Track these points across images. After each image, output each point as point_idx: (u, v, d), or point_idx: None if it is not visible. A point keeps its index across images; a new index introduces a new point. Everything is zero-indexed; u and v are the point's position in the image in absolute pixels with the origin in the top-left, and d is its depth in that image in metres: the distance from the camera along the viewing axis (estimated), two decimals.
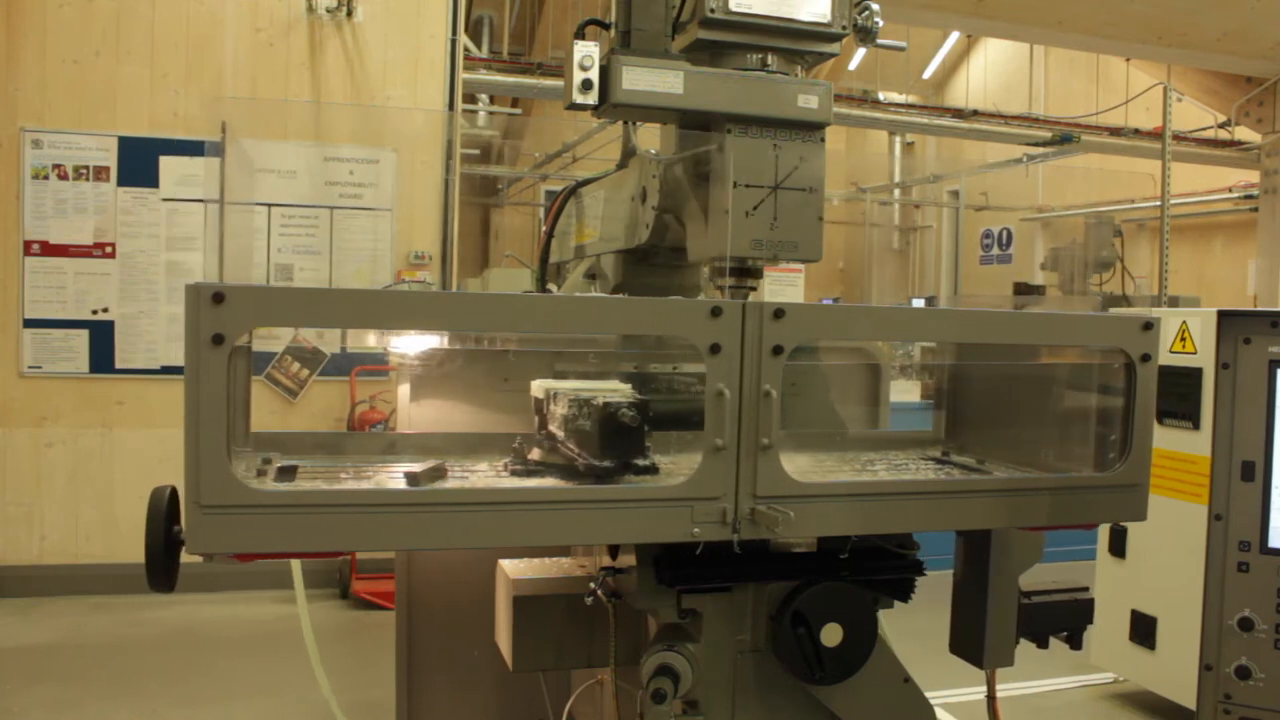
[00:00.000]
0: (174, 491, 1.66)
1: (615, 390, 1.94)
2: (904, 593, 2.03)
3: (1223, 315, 1.66)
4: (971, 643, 2.18)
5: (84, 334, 6.48)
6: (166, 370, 6.59)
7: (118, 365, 6.52)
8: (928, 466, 2.26)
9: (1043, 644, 2.22)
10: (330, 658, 5.47)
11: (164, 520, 1.63)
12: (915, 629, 2.79)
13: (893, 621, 2.07)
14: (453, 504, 1.64)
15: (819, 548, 1.96)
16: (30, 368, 6.42)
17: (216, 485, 1.49)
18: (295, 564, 2.64)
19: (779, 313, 1.71)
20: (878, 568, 1.98)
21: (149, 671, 5.20)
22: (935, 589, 2.42)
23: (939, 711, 2.17)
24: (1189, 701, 1.90)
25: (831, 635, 1.89)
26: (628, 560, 1.98)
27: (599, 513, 1.67)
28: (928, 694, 2.11)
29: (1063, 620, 2.21)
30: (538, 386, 2.04)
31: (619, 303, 1.86)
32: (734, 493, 1.70)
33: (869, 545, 1.97)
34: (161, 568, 1.62)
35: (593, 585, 2.05)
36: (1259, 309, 1.68)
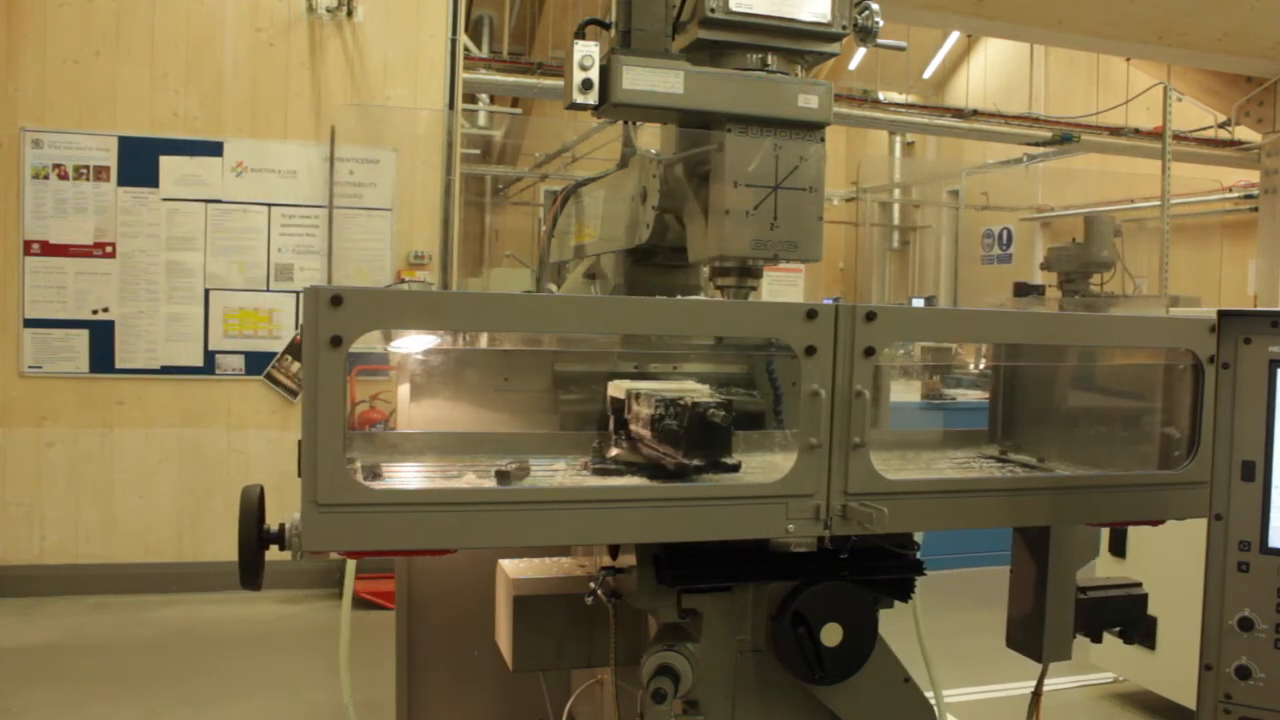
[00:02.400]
0: (263, 491, 1.69)
1: (695, 390, 1.95)
2: (904, 593, 2.03)
3: (1223, 315, 1.66)
4: (1029, 637, 2.21)
5: (84, 334, 6.49)
6: (166, 370, 6.59)
7: (118, 365, 6.52)
8: (991, 465, 2.30)
9: (1097, 639, 2.25)
10: (330, 657, 5.47)
11: (256, 519, 1.66)
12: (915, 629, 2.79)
13: (893, 621, 2.07)
14: (555, 501, 1.68)
15: (819, 548, 1.96)
16: (30, 368, 6.43)
17: (333, 484, 1.52)
18: (350, 565, 2.64)
19: (871, 315, 1.74)
20: (878, 568, 1.98)
21: (149, 671, 5.20)
22: (936, 590, 2.42)
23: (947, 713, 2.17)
24: (1189, 701, 1.90)
25: (831, 635, 1.89)
26: (628, 560, 1.98)
27: (696, 510, 1.70)
28: (929, 694, 2.11)
29: (1118, 615, 2.25)
30: (616, 387, 2.05)
31: (719, 305, 1.94)
32: (826, 490, 1.73)
33: (869, 545, 1.97)
34: (253, 566, 1.66)
35: (593, 585, 2.05)
36: (1259, 309, 1.67)
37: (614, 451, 2.00)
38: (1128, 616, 2.25)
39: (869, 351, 1.74)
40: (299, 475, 1.53)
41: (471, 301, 1.73)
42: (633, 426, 1.95)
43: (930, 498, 1.85)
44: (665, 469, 1.82)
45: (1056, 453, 2.30)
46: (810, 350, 1.72)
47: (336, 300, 1.50)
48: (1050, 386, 2.43)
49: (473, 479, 1.90)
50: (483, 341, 2.52)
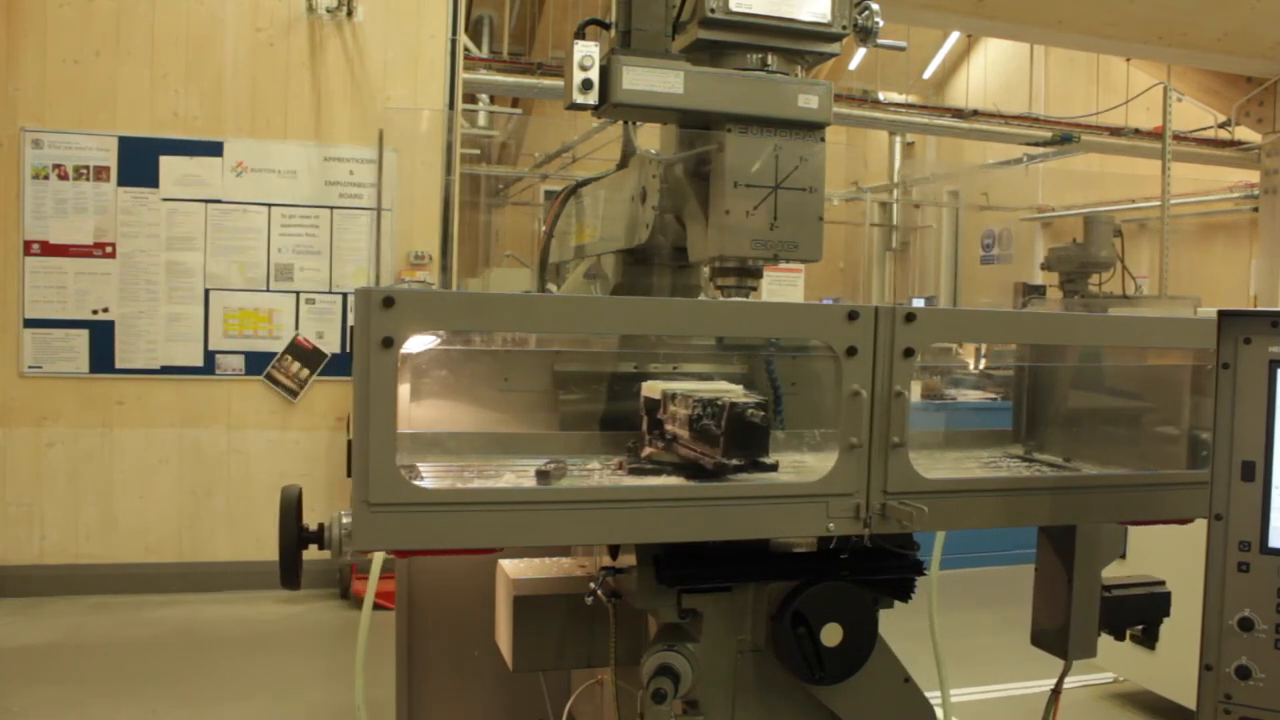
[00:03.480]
0: (300, 491, 1.72)
1: (729, 390, 1.96)
2: (904, 593, 2.03)
3: (1223, 315, 1.66)
4: (1055, 635, 2.23)
5: (84, 334, 6.49)
6: (166, 370, 6.59)
7: (118, 365, 6.52)
8: (1018, 464, 2.32)
9: (1120, 637, 2.27)
10: (330, 657, 5.47)
11: (296, 519, 1.68)
12: (915, 629, 2.79)
13: (894, 621, 2.07)
14: (603, 501, 1.71)
15: (819, 548, 1.96)
16: (30, 368, 6.43)
17: (385, 484, 1.53)
18: (375, 565, 2.64)
19: (910, 316, 1.77)
20: (878, 568, 1.98)
21: (150, 671, 5.20)
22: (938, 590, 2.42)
23: (940, 711, 2.17)
24: (1189, 701, 1.90)
25: (831, 635, 1.90)
26: (628, 560, 1.98)
27: (738, 509, 1.73)
28: (928, 694, 2.12)
29: (1141, 613, 2.27)
30: (650, 387, 2.06)
31: (759, 307, 1.95)
32: (866, 489, 1.75)
33: (869, 545, 1.97)
34: (293, 565, 1.69)
35: (593, 585, 2.05)
36: (1259, 309, 1.68)
37: (646, 451, 2.01)
38: (1151, 615, 2.28)
39: (908, 353, 1.76)
40: (348, 475, 1.54)
41: (519, 303, 1.75)
42: (669, 426, 1.95)
43: (968, 497, 1.87)
44: (702, 468, 1.83)
45: (1081, 452, 2.32)
46: (851, 351, 1.74)
47: (388, 302, 1.52)
48: (1074, 386, 2.45)
49: (511, 479, 1.91)
50: (530, 344, 2.51)
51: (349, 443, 1.55)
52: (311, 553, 1.72)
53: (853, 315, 1.74)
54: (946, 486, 1.85)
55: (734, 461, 1.76)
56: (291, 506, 1.69)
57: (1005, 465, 2.32)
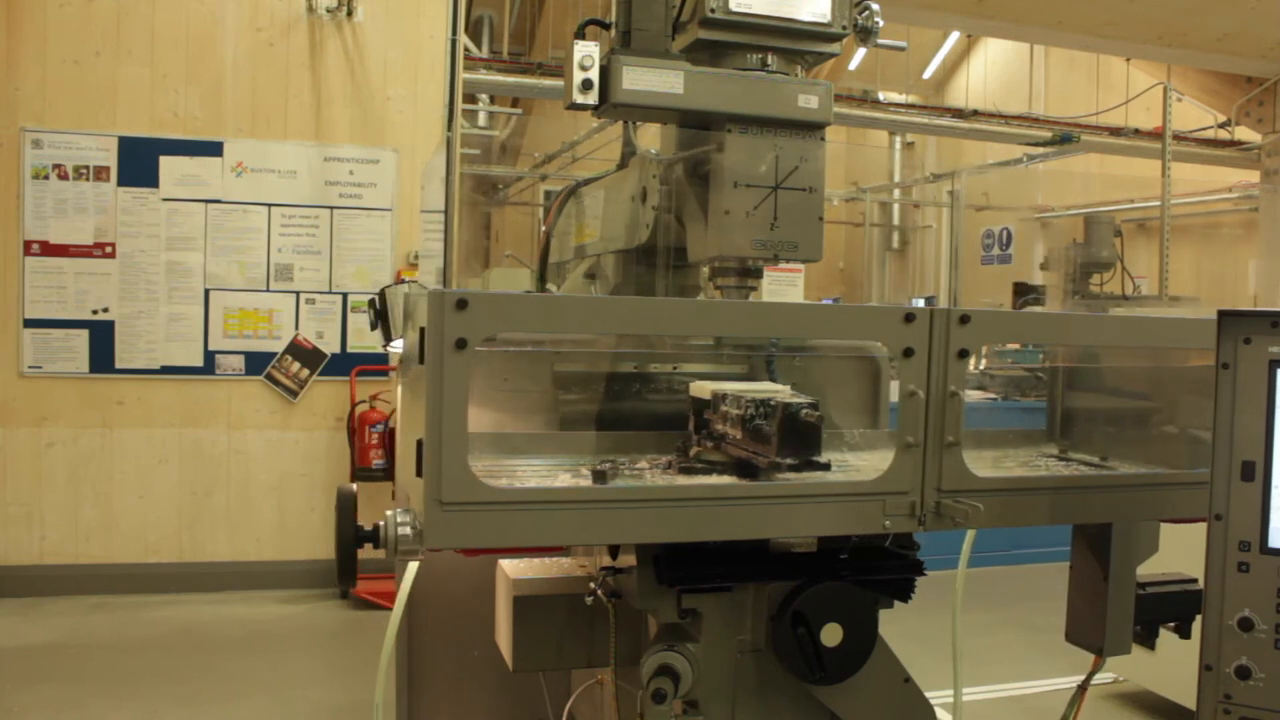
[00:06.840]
0: (356, 492, 1.76)
1: (778, 391, 1.97)
2: (904, 593, 2.03)
3: (1223, 315, 1.66)
4: (1091, 631, 2.25)
5: (84, 334, 6.49)
6: (166, 370, 6.59)
7: (118, 365, 6.53)
8: (1055, 463, 2.33)
9: (1153, 633, 2.29)
10: (330, 657, 5.48)
11: (352, 519, 1.70)
12: (915, 629, 2.79)
13: (894, 621, 2.07)
14: (667, 499, 1.74)
15: (819, 548, 1.96)
16: (30, 368, 6.43)
17: (456, 483, 1.55)
18: (410, 569, 2.63)
19: (965, 318, 1.80)
20: (878, 568, 1.98)
21: (150, 671, 5.20)
22: (935, 590, 2.42)
23: (939, 711, 2.17)
24: (1189, 701, 1.90)
25: (831, 635, 1.90)
26: (628, 560, 1.98)
27: (798, 506, 1.76)
28: (928, 694, 2.12)
29: (1174, 610, 2.28)
30: (699, 388, 2.07)
31: (821, 310, 1.98)
32: (921, 487, 1.78)
33: (869, 545, 1.97)
34: (349, 566, 1.71)
35: (593, 585, 2.05)
36: (1259, 309, 1.68)
37: (694, 450, 2.02)
38: (1184, 610, 2.28)
39: (963, 354, 1.79)
40: (418, 475, 1.56)
41: (590, 305, 1.80)
42: (719, 426, 1.96)
43: (1021, 495, 1.90)
44: (754, 467, 1.84)
45: (1116, 452, 2.33)
46: (908, 352, 1.77)
47: (462, 304, 1.53)
48: (1111, 386, 2.46)
49: (566, 479, 1.92)
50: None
51: (419, 442, 1.55)
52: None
53: (909, 317, 1.78)
54: (999, 485, 1.88)
55: (788, 461, 1.78)
56: (348, 507, 1.71)
57: (1044, 464, 2.33)
